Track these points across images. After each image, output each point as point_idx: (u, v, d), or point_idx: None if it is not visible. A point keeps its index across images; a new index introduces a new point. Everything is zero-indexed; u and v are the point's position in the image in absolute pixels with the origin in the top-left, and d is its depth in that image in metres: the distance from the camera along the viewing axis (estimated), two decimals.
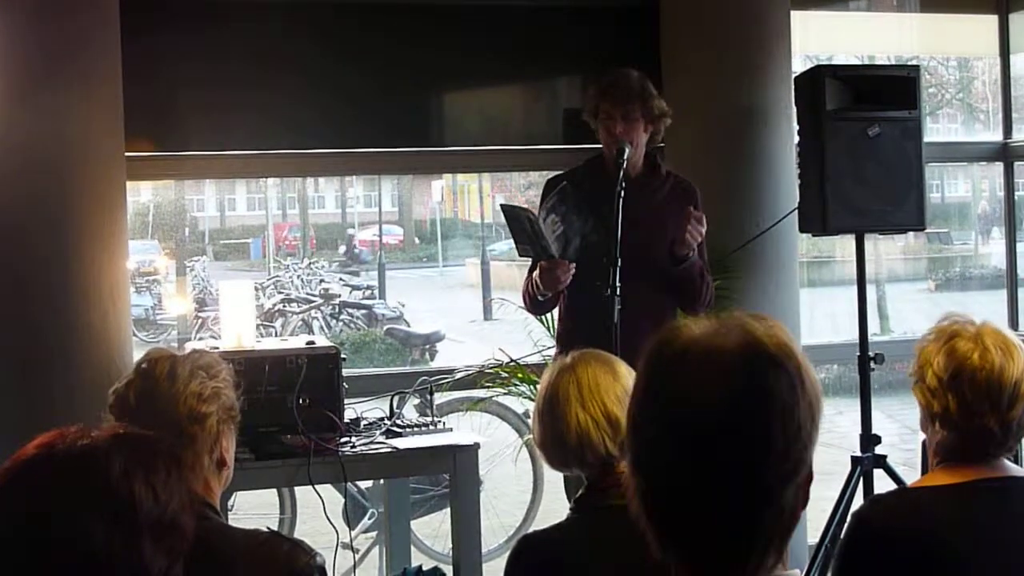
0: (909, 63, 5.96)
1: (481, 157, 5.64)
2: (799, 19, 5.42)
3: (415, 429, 4.08)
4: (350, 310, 13.20)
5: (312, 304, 12.69)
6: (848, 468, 4.47)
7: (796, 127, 4.80)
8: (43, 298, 4.41)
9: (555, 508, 5.03)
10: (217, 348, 3.80)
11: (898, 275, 16.17)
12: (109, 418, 2.38)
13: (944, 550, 2.30)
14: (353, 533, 4.82)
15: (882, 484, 4.38)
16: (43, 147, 4.41)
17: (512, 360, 5.07)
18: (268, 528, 2.49)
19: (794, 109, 4.93)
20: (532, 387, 4.81)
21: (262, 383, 3.78)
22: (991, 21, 6.09)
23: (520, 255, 4.16)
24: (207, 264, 16.91)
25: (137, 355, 3.23)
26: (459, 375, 5.06)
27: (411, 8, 5.28)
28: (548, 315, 4.68)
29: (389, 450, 3.91)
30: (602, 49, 5.35)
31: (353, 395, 4.22)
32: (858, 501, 4.24)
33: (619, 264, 3.83)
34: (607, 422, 2.49)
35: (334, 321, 12.90)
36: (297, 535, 4.57)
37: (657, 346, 1.51)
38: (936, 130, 11.68)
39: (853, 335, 4.79)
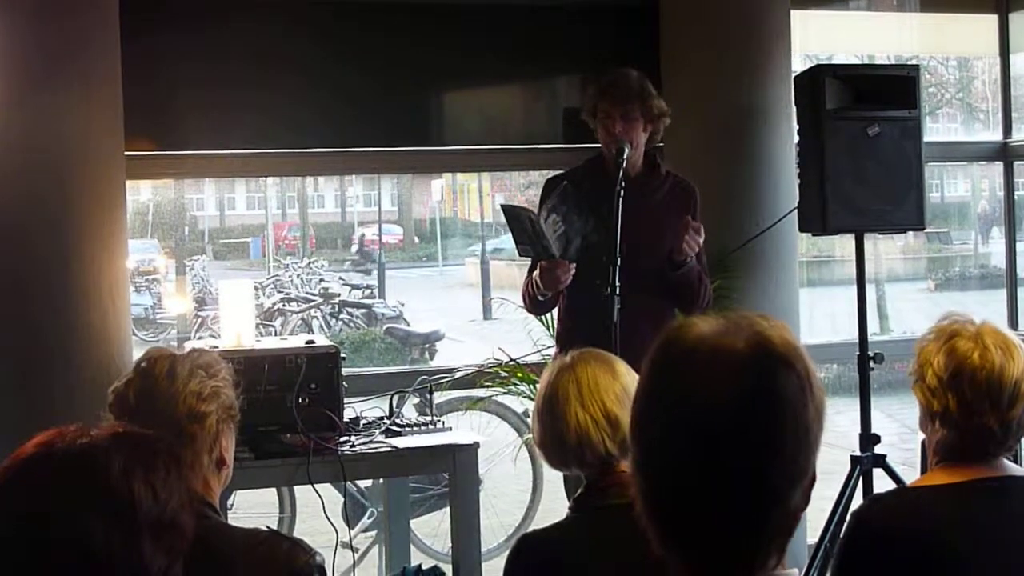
0: (909, 63, 5.96)
1: (481, 156, 5.64)
2: (799, 18, 5.42)
3: (414, 428, 4.08)
4: (350, 309, 13.20)
5: (312, 303, 12.69)
6: (847, 467, 4.47)
7: (796, 126, 4.80)
8: (43, 297, 4.41)
9: (555, 507, 5.03)
10: (217, 347, 3.80)
11: (898, 275, 16.16)
12: (108, 417, 2.38)
13: (943, 549, 2.30)
14: (352, 532, 4.82)
15: (881, 483, 4.38)
16: (43, 147, 4.41)
17: (512, 359, 5.07)
18: (267, 527, 2.49)
19: (794, 108, 4.93)
20: (532, 386, 4.81)
21: (262, 382, 3.78)
22: (991, 21, 6.09)
23: (520, 255, 4.16)
24: (207, 263, 16.90)
25: (137, 354, 3.22)
26: (459, 374, 5.06)
27: (411, 7, 5.28)
28: (548, 315, 4.68)
29: (388, 449, 3.91)
30: (602, 49, 5.34)
31: (353, 394, 4.22)
32: (857, 500, 4.24)
33: (619, 264, 3.83)
34: (607, 421, 2.49)
35: (334, 320, 12.90)
36: (296, 534, 4.57)
37: (664, 344, 1.50)
38: (936, 130, 11.68)
39: (853, 334, 4.79)
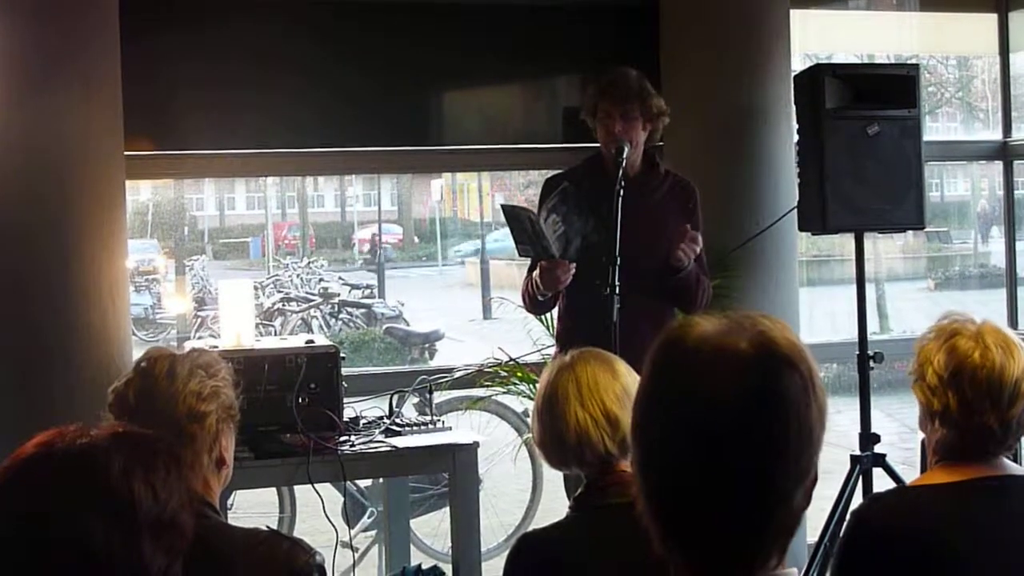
0: (908, 62, 5.95)
1: (481, 156, 5.64)
2: (798, 18, 5.42)
3: (414, 428, 4.08)
4: (349, 309, 13.20)
5: (311, 303, 12.69)
6: (847, 467, 4.47)
7: (795, 126, 4.80)
8: (43, 297, 4.41)
9: (554, 507, 5.03)
10: (216, 347, 3.80)
11: (897, 274, 16.15)
12: (108, 417, 2.38)
13: (943, 549, 2.30)
14: (352, 532, 4.81)
15: (881, 483, 4.38)
16: (43, 147, 4.41)
17: (511, 359, 5.07)
18: (267, 527, 2.49)
19: (793, 108, 4.93)
20: (531, 386, 4.81)
21: (261, 382, 3.78)
22: (991, 20, 6.09)
23: (520, 255, 4.16)
24: (206, 263, 16.89)
25: (136, 354, 3.23)
26: (458, 374, 5.06)
27: (411, 7, 5.28)
28: (547, 314, 4.68)
29: (388, 449, 3.91)
30: (602, 48, 5.34)
31: (352, 394, 4.22)
32: (857, 500, 4.24)
33: (618, 263, 3.83)
34: (606, 421, 2.49)
35: (333, 320, 12.89)
36: (296, 534, 4.57)
37: (666, 343, 1.50)
38: (935, 129, 11.66)
39: (852, 334, 4.79)
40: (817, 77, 4.55)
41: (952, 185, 18.84)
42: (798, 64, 5.52)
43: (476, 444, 3.98)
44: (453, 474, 3.97)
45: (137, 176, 5.13)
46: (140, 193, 15.75)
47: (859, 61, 6.84)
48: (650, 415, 1.49)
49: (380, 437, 3.99)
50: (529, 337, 5.25)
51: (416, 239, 21.75)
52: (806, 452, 1.44)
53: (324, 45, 5.20)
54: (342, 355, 3.94)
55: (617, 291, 3.82)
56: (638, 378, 1.56)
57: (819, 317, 10.85)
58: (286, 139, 5.18)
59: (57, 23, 4.43)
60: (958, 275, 16.05)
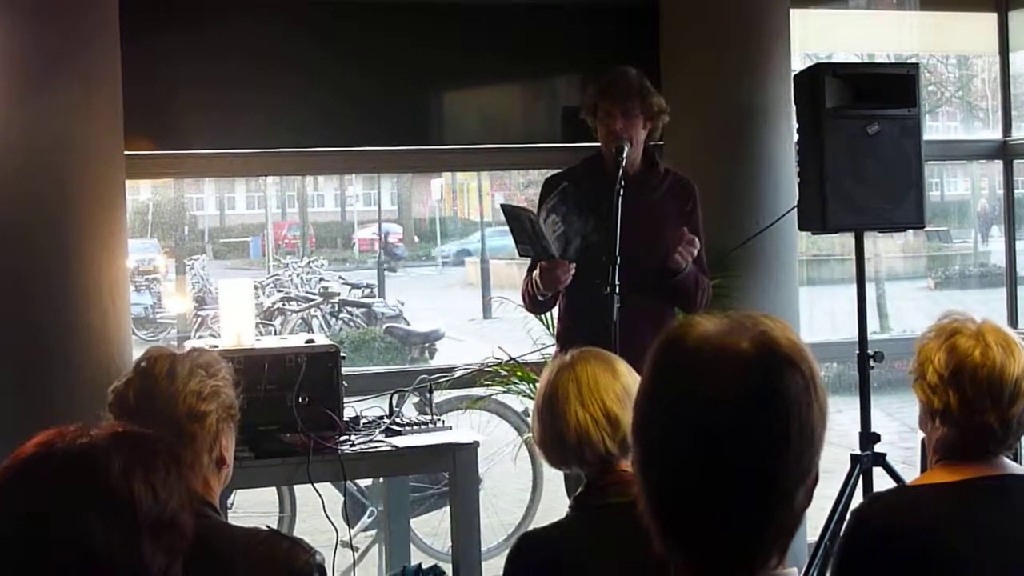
0: (908, 61, 5.96)
1: (480, 156, 5.64)
2: (798, 17, 5.42)
3: (414, 427, 4.08)
4: (349, 308, 13.19)
5: (311, 303, 12.69)
6: (847, 466, 4.47)
7: (795, 125, 4.80)
8: (43, 297, 4.41)
9: (554, 506, 5.03)
10: (216, 346, 3.80)
11: (897, 273, 16.15)
12: (108, 417, 2.38)
13: (943, 548, 2.30)
14: (352, 531, 4.81)
15: (881, 482, 4.38)
16: (43, 147, 4.41)
17: (511, 358, 5.07)
18: (267, 526, 2.49)
19: (793, 107, 4.93)
20: (531, 385, 4.81)
21: (261, 381, 3.78)
22: (990, 19, 6.09)
23: (520, 255, 4.16)
24: (206, 263, 16.90)
25: (137, 354, 3.22)
26: (458, 373, 5.06)
27: (411, 7, 5.28)
28: (547, 314, 4.68)
29: (388, 448, 3.91)
30: (602, 48, 5.34)
31: (352, 393, 4.22)
32: (857, 499, 4.24)
33: (618, 263, 3.83)
34: (606, 420, 2.49)
35: (333, 319, 12.89)
36: (296, 533, 4.57)
37: (667, 342, 1.50)
38: (935, 128, 11.66)
39: (852, 333, 4.79)
40: (817, 77, 4.55)
41: (952, 184, 18.85)
42: (798, 64, 5.52)
43: (476, 444, 3.98)
44: (453, 474, 3.97)
45: (137, 176, 5.13)
46: (140, 193, 15.75)
47: (859, 60, 6.85)
48: (651, 414, 1.49)
49: (380, 437, 3.99)
50: (529, 336, 5.25)
51: (416, 239, 21.76)
52: (807, 452, 1.44)
53: (324, 45, 5.19)
54: (342, 354, 3.94)
55: (617, 290, 3.82)
56: (638, 378, 1.55)
57: (819, 316, 10.86)
58: (286, 139, 5.18)
59: (57, 23, 4.43)
60: (958, 274, 16.06)
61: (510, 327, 6.23)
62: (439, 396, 4.89)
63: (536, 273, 4.06)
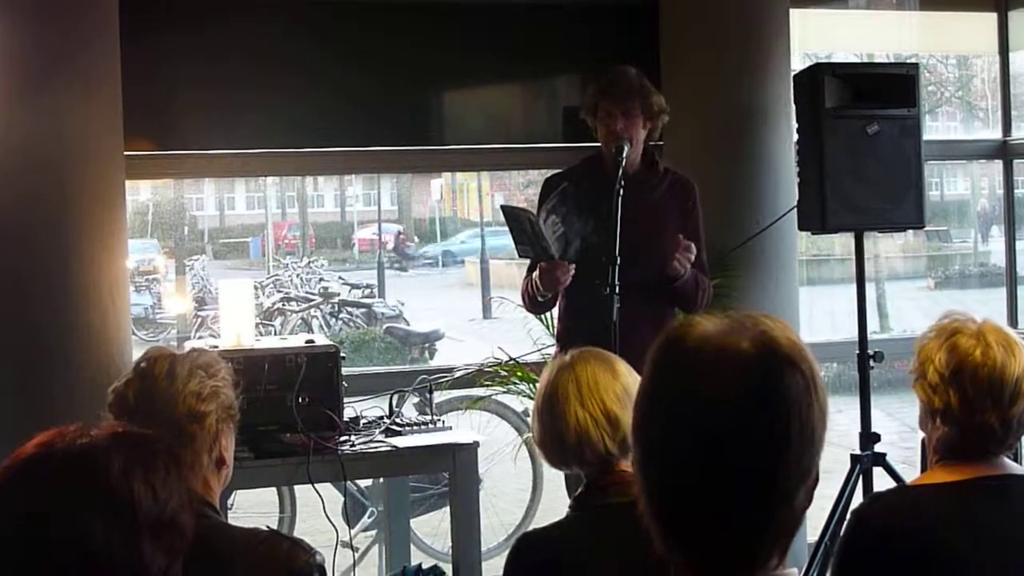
0: (908, 61, 5.96)
1: (480, 156, 5.64)
2: (798, 17, 5.42)
3: (414, 428, 4.08)
4: (349, 309, 13.20)
5: (311, 303, 12.69)
6: (847, 466, 4.46)
7: (795, 125, 4.80)
8: (43, 297, 4.41)
9: (554, 506, 5.03)
10: (216, 347, 3.80)
11: (897, 273, 16.17)
12: (108, 417, 2.38)
13: (943, 548, 2.30)
14: (353, 532, 4.82)
15: (881, 482, 4.38)
16: (43, 147, 4.41)
17: (511, 358, 5.07)
18: (267, 527, 2.49)
19: (793, 107, 4.93)
20: (531, 385, 4.81)
21: (261, 382, 3.78)
22: (990, 19, 6.09)
23: (520, 256, 4.16)
24: (206, 263, 16.90)
25: (136, 354, 3.23)
26: (458, 374, 5.06)
27: (411, 7, 5.27)
28: (547, 314, 4.68)
29: (388, 449, 3.91)
30: (602, 48, 5.34)
31: (352, 394, 4.22)
32: (857, 499, 4.24)
33: (618, 263, 3.83)
34: (606, 420, 2.49)
35: (333, 320, 12.89)
36: (297, 534, 4.58)
37: (668, 342, 1.49)
38: (935, 128, 11.66)
39: (852, 333, 4.79)
40: (817, 76, 4.55)
41: (952, 184, 18.86)
42: (798, 63, 5.52)
43: (476, 444, 3.98)
44: (453, 474, 3.97)
45: (137, 176, 5.13)
46: (140, 193, 15.77)
47: (859, 60, 6.84)
48: (651, 414, 1.49)
49: (380, 437, 3.99)
50: (529, 337, 5.25)
51: (416, 239, 21.77)
52: (808, 452, 1.44)
53: (324, 45, 5.19)
54: (342, 355, 3.94)
55: (617, 291, 3.82)
56: (638, 378, 1.55)
57: (819, 316, 10.87)
58: (286, 139, 5.18)
59: (57, 23, 4.43)
60: (958, 274, 16.07)
61: (510, 327, 6.23)
62: (439, 396, 4.89)
63: (536, 274, 4.06)
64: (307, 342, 3.98)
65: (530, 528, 3.98)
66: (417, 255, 20.50)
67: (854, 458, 4.48)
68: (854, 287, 4.72)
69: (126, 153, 4.65)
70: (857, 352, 4.62)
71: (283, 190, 21.00)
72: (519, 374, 5.03)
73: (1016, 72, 6.15)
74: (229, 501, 3.95)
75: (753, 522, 1.43)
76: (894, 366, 5.20)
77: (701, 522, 1.44)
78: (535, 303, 4.20)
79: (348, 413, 4.04)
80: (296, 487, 5.34)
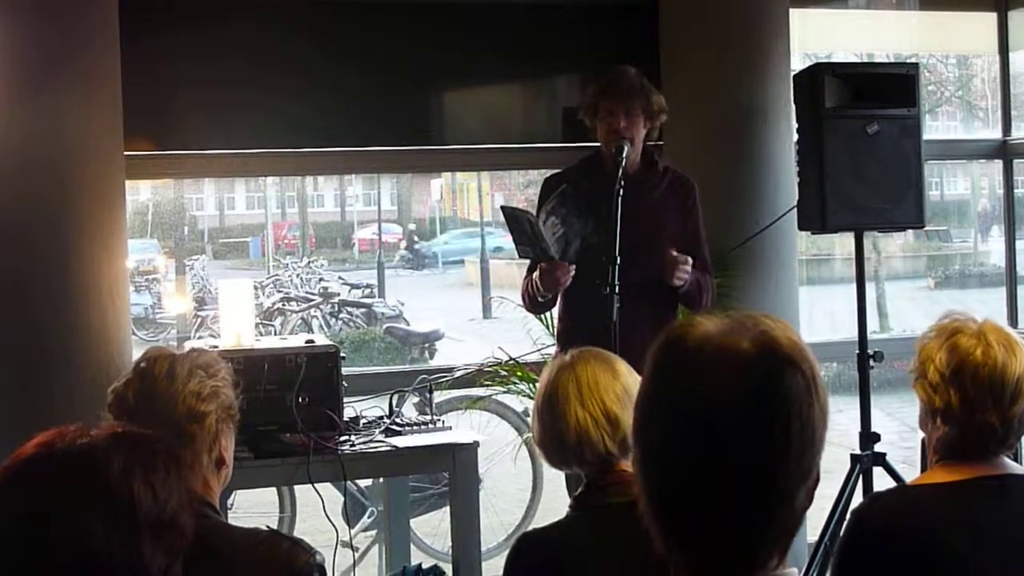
0: (908, 61, 5.95)
1: (480, 156, 5.64)
2: (798, 17, 5.42)
3: (414, 427, 4.08)
4: (349, 309, 13.20)
5: (311, 303, 12.69)
6: (847, 466, 4.47)
7: (795, 125, 4.80)
8: (43, 297, 4.41)
9: (554, 506, 5.03)
10: (216, 347, 3.80)
11: (897, 273, 16.18)
12: (108, 417, 2.38)
13: (943, 548, 2.30)
14: (353, 531, 4.81)
15: (881, 482, 4.38)
16: (43, 147, 4.41)
17: (511, 358, 5.07)
18: (267, 527, 2.49)
19: (793, 107, 4.93)
20: (531, 385, 4.81)
21: (261, 382, 3.78)
22: (990, 18, 6.09)
23: (520, 256, 4.16)
24: (206, 263, 16.91)
25: (136, 354, 3.23)
26: (458, 373, 5.06)
27: (411, 7, 5.27)
28: (547, 313, 4.68)
29: (388, 448, 3.91)
30: (602, 48, 5.34)
31: (352, 394, 4.22)
32: (857, 499, 4.24)
33: (618, 263, 3.84)
34: (606, 420, 2.49)
35: (333, 320, 12.89)
36: (297, 534, 4.57)
37: (668, 342, 1.49)
38: (935, 128, 11.66)
39: (852, 333, 4.79)
40: (817, 76, 4.55)
41: (952, 184, 18.87)
42: (798, 63, 5.52)
43: (476, 444, 3.98)
44: (453, 474, 3.97)
45: (137, 176, 5.13)
46: (140, 193, 15.78)
47: (859, 60, 6.84)
48: (652, 414, 1.48)
49: (380, 437, 3.99)
50: (529, 336, 5.25)
51: (416, 238, 21.78)
52: (808, 452, 1.44)
53: (324, 45, 5.19)
54: (342, 355, 3.94)
55: (617, 290, 3.82)
56: (638, 378, 1.55)
57: (819, 316, 10.87)
58: (286, 139, 5.18)
59: (57, 23, 4.42)
60: (958, 274, 16.08)
61: (510, 327, 6.23)
62: (439, 396, 4.89)
63: (536, 274, 4.06)
64: (307, 342, 3.98)
65: (530, 528, 3.98)
66: (431, 254, 20.52)
67: (854, 458, 4.48)
68: (854, 287, 4.72)
69: (126, 153, 4.65)
70: (857, 352, 4.62)
71: (283, 190, 21.02)
72: (519, 374, 5.03)
73: (1016, 72, 6.15)
74: (229, 501, 3.95)
75: (754, 522, 1.43)
76: (894, 366, 5.20)
77: (701, 522, 1.44)
78: (535, 303, 4.21)
79: (348, 413, 4.04)
80: (296, 487, 5.34)
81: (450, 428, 4.13)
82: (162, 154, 5.04)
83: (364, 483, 5.58)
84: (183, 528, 1.64)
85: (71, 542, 1.54)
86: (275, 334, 10.78)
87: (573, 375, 2.55)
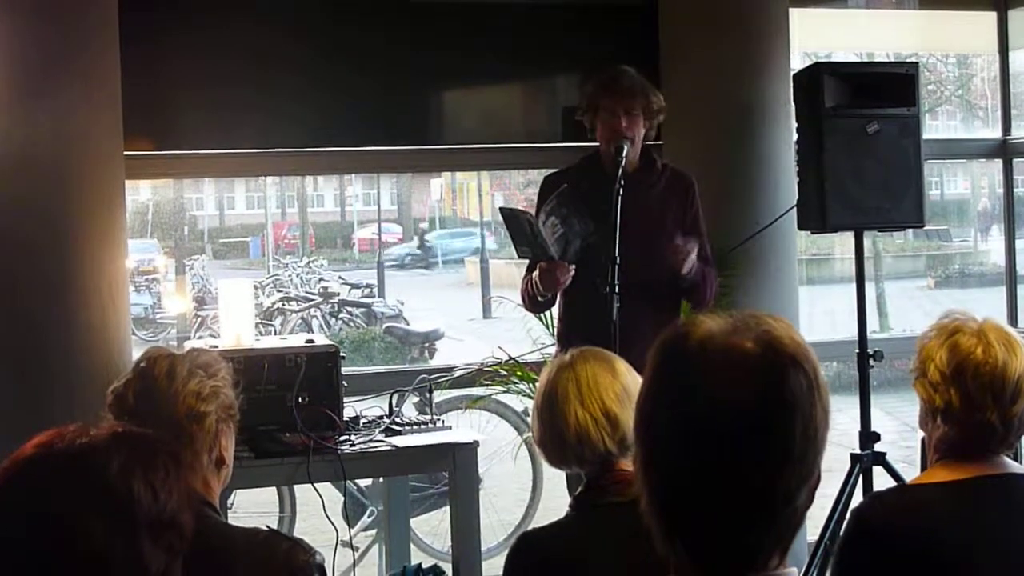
0: (908, 60, 5.95)
1: (480, 155, 5.64)
2: (797, 16, 5.42)
3: (414, 427, 4.07)
4: (349, 308, 13.20)
5: (311, 302, 12.69)
6: (847, 465, 4.46)
7: (795, 124, 4.80)
8: (42, 297, 4.41)
9: (554, 506, 5.03)
10: (216, 347, 3.80)
11: (897, 272, 16.18)
12: (108, 417, 2.38)
13: (943, 547, 2.30)
14: (353, 531, 4.81)
15: (881, 481, 4.38)
16: (43, 147, 4.41)
17: (511, 358, 5.07)
18: (267, 526, 2.49)
19: (793, 106, 4.92)
20: (531, 385, 4.81)
21: (261, 381, 3.78)
22: (990, 18, 6.09)
23: (519, 257, 4.16)
24: (206, 263, 16.92)
25: (136, 354, 3.23)
26: (458, 373, 5.06)
27: (411, 7, 5.27)
28: (547, 313, 4.68)
29: (388, 448, 3.91)
30: (601, 47, 5.34)
31: (352, 393, 4.22)
32: (857, 499, 4.24)
33: (618, 262, 3.84)
34: (606, 420, 2.49)
35: (333, 319, 12.89)
36: (296, 533, 4.58)
37: (671, 341, 1.49)
38: (935, 127, 11.66)
39: (852, 332, 4.79)
40: (816, 76, 4.55)
41: (952, 183, 18.88)
42: (797, 63, 5.53)
43: (476, 443, 3.97)
44: (453, 473, 3.97)
45: (137, 176, 5.13)
46: (140, 193, 15.79)
47: (858, 59, 6.85)
48: (654, 413, 1.48)
49: (380, 436, 3.98)
50: (529, 336, 5.24)
51: (416, 238, 21.78)
52: (810, 452, 1.44)
53: (324, 45, 5.19)
54: (342, 354, 3.94)
55: (617, 290, 3.82)
56: (638, 377, 1.55)
57: (819, 315, 10.86)
58: (286, 139, 5.18)
59: (57, 23, 4.42)
60: (958, 273, 16.08)
61: (510, 327, 6.22)
62: (439, 396, 4.89)
63: (535, 273, 4.06)
64: (307, 342, 3.98)
65: (530, 528, 3.98)
66: (449, 252, 20.52)
67: (854, 457, 4.48)
68: (854, 286, 4.72)
69: (126, 153, 4.65)
70: (857, 351, 4.62)
71: (283, 190, 21.03)
72: (519, 374, 5.03)
73: (1016, 71, 6.15)
74: (229, 501, 3.95)
75: (755, 522, 1.43)
76: (894, 365, 5.20)
77: (703, 521, 1.44)
78: (535, 303, 4.21)
79: (348, 413, 4.04)
80: (296, 487, 5.34)
81: (450, 428, 4.13)
82: (162, 154, 5.04)
83: (364, 483, 5.58)
84: (183, 528, 1.64)
85: (71, 542, 1.54)
86: (275, 334, 10.77)
87: (573, 375, 2.55)
